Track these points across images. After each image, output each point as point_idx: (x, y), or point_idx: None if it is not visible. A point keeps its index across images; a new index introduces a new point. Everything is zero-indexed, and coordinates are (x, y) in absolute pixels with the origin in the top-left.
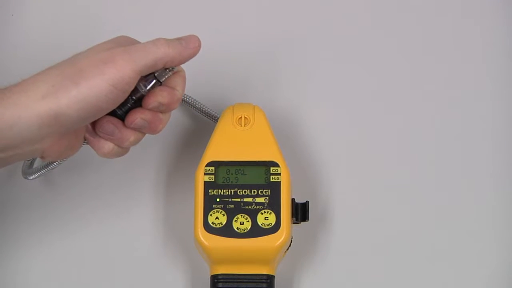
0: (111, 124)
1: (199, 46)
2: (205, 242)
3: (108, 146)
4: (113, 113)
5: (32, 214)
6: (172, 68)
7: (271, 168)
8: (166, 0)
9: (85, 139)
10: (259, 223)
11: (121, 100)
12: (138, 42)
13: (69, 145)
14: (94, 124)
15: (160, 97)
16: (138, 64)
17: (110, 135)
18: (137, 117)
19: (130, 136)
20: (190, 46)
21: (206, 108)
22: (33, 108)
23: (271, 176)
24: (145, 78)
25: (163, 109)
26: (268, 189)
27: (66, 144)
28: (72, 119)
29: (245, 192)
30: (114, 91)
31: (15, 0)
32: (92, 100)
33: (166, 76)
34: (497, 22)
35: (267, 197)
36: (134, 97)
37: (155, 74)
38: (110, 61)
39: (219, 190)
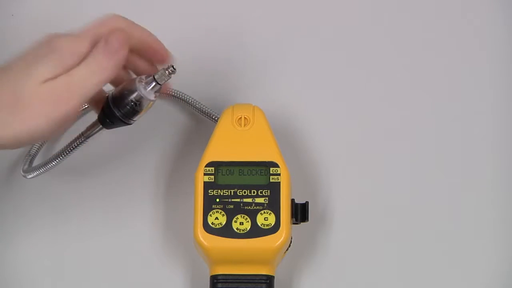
0: None
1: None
2: (205, 243)
3: None
4: (113, 114)
5: (31, 213)
6: (173, 71)
7: (271, 169)
8: None
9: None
10: (259, 224)
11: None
12: (60, 41)
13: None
14: None
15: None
16: (82, 98)
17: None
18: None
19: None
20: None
21: (206, 108)
22: None
23: (271, 177)
24: (145, 79)
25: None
26: (267, 190)
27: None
28: (15, 147)
29: (244, 192)
30: (56, 128)
31: (15, 0)
32: (33, 135)
33: (167, 79)
34: (497, 22)
35: (267, 198)
36: (134, 100)
37: (155, 77)
38: (53, 99)
39: (219, 191)
